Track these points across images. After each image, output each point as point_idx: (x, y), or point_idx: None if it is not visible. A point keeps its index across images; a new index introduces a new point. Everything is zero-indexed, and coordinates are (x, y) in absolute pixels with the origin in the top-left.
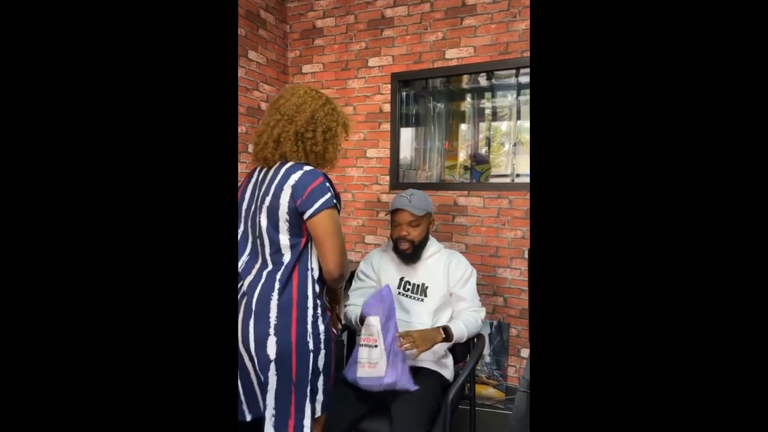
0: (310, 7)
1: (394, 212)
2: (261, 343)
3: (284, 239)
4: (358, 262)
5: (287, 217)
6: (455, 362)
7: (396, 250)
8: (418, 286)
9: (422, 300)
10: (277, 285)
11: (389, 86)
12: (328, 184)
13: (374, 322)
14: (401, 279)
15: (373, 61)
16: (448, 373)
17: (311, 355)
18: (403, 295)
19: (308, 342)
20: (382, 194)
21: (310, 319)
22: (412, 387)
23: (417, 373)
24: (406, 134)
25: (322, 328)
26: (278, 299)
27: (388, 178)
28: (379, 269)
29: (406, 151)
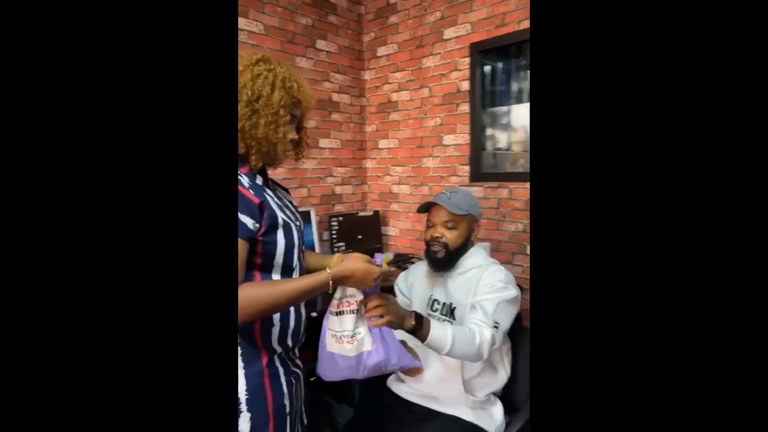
0: None
1: (428, 210)
2: None
3: None
4: None
5: None
6: (507, 410)
7: (427, 255)
8: (447, 305)
9: (450, 323)
10: None
11: (467, 60)
12: None
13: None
14: (430, 297)
15: (449, 33)
16: (492, 426)
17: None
18: (431, 315)
19: None
20: (461, 187)
21: None
22: (417, 362)
23: (435, 420)
24: (519, 111)
25: (242, 385)
26: None
27: (467, 168)
28: (412, 284)
29: (520, 134)
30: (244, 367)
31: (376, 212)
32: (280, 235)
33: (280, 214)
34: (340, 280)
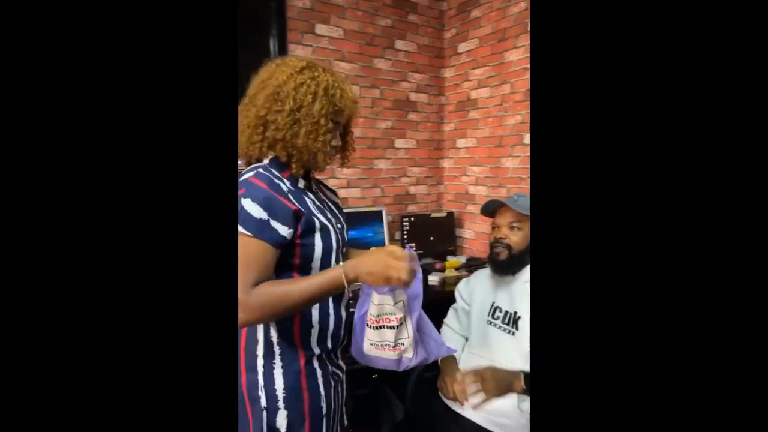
0: None
1: (495, 213)
2: None
3: None
4: None
5: None
6: None
7: (490, 258)
8: (510, 314)
9: (512, 333)
10: None
11: None
12: (243, 199)
13: (400, 296)
14: (492, 304)
15: None
16: None
17: (264, 413)
18: (491, 324)
19: (259, 397)
20: None
21: (260, 369)
22: (452, 349)
23: None
24: None
25: (280, 383)
26: None
27: None
28: (473, 289)
29: None
30: (282, 367)
31: (451, 213)
32: (318, 238)
33: (319, 218)
34: (357, 280)
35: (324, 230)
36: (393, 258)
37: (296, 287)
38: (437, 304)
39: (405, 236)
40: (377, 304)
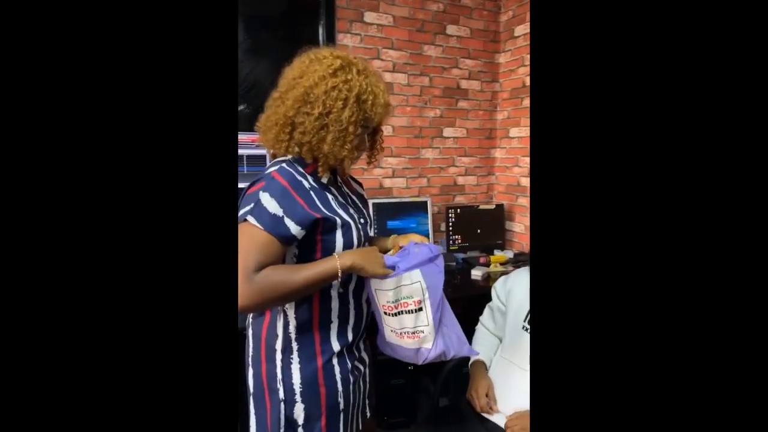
0: None
1: None
2: (247, 368)
3: None
4: None
5: None
6: None
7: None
8: None
9: None
10: None
11: None
12: (262, 192)
13: (416, 276)
14: (529, 309)
15: None
16: None
17: (282, 404)
18: (527, 330)
19: (278, 389)
20: None
21: (278, 362)
22: (474, 351)
23: None
24: None
25: (297, 378)
26: (252, 324)
27: None
28: (510, 291)
29: None
30: (300, 362)
31: (500, 206)
32: (339, 234)
33: (341, 215)
34: (349, 267)
35: (345, 227)
36: (374, 254)
37: (295, 274)
38: (478, 299)
39: (450, 228)
40: (389, 290)
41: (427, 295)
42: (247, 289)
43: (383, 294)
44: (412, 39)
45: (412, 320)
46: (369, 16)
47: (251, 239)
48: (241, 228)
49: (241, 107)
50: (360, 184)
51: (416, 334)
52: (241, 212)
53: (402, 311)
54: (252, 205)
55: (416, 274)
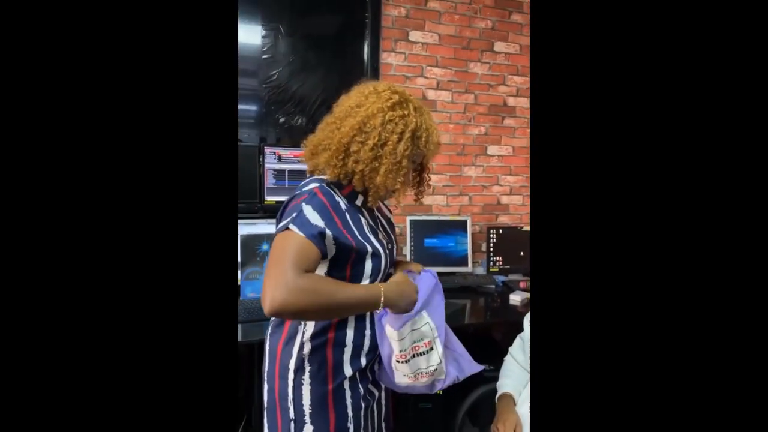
0: None
1: None
2: (263, 383)
3: None
4: None
5: None
6: None
7: None
8: None
9: None
10: (272, 322)
11: None
12: (305, 205)
13: (425, 318)
14: None
15: None
16: None
17: (292, 424)
18: None
19: (288, 408)
20: None
21: (290, 381)
22: (481, 367)
23: None
24: None
25: (307, 399)
26: (269, 339)
27: None
28: None
29: None
30: (311, 385)
31: None
32: (368, 263)
33: (372, 242)
34: (389, 305)
35: (375, 255)
36: (410, 292)
37: (340, 290)
38: (516, 326)
39: (491, 249)
40: (401, 339)
41: (436, 334)
42: (291, 284)
43: (397, 344)
44: (458, 56)
45: (425, 361)
46: (414, 35)
47: (294, 244)
48: (283, 235)
49: (281, 119)
50: (388, 208)
51: (429, 373)
52: (283, 222)
53: (415, 355)
54: (294, 215)
55: (424, 317)
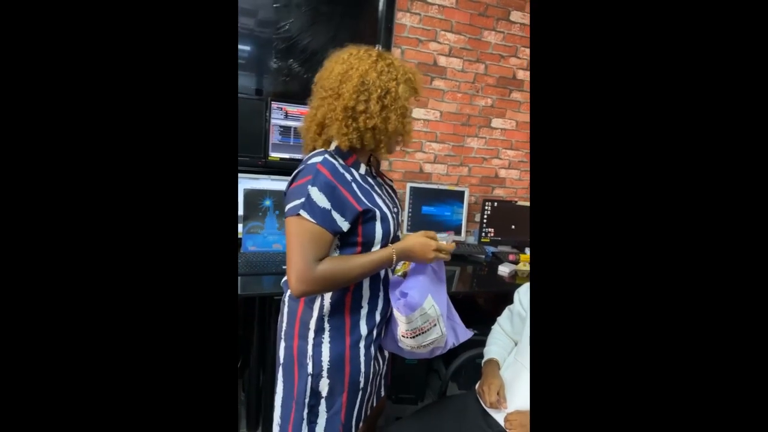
0: None
1: None
2: (279, 341)
3: None
4: None
5: None
6: None
7: None
8: None
9: None
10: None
11: None
12: (311, 187)
13: (429, 303)
14: None
15: None
16: None
17: (310, 378)
18: None
19: (307, 364)
20: None
21: (311, 340)
22: (470, 333)
23: None
24: None
25: (326, 355)
26: (288, 301)
27: None
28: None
29: None
30: (330, 342)
31: None
32: (379, 225)
33: (381, 207)
34: (403, 256)
35: (384, 219)
36: (428, 239)
37: (354, 264)
38: (502, 297)
39: (485, 220)
40: (409, 323)
41: (439, 313)
42: (309, 277)
43: (405, 325)
44: (473, 23)
45: (429, 335)
46: None
47: (307, 232)
48: (294, 221)
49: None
50: (390, 179)
51: (432, 344)
52: (292, 205)
53: (419, 333)
54: (303, 199)
55: (428, 302)
